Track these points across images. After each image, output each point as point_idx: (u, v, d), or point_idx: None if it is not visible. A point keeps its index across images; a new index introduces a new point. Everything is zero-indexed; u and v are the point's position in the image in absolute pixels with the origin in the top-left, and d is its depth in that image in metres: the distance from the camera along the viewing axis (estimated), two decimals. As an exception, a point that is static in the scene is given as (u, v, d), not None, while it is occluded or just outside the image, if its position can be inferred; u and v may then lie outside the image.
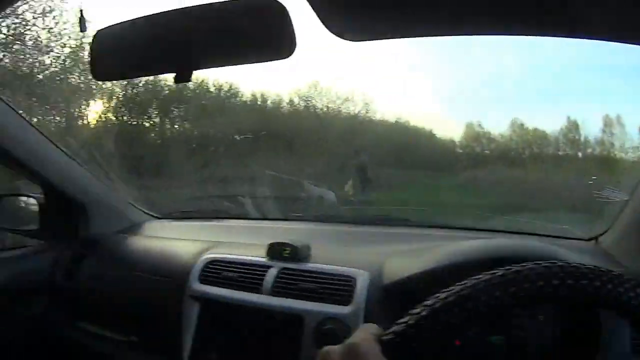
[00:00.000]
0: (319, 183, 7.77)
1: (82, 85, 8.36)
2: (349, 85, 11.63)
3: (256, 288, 1.90)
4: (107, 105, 8.72)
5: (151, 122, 9.84)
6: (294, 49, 1.16)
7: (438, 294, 0.88)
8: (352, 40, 1.11)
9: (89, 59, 1.39)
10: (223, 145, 9.37)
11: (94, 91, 8.47)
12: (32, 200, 2.57)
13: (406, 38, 1.16)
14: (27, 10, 7.50)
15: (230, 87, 10.55)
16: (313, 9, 0.99)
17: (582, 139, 9.18)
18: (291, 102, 11.21)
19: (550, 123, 9.93)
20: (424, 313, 0.86)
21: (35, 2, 7.59)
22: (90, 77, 8.99)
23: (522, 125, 13.79)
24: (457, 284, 0.89)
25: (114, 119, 8.89)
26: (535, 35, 1.11)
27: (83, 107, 8.49)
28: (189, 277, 2.04)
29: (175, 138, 9.98)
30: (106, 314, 2.34)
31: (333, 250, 2.09)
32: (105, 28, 1.37)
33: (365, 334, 0.90)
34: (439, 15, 1.04)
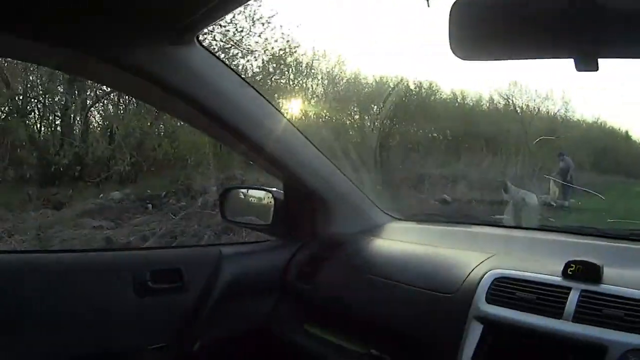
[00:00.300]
0: (520, 184, 7.33)
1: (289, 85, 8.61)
2: (548, 82, 11.04)
3: (557, 313, 1.56)
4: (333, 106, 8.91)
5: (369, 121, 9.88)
6: None
7: None
8: None
9: (448, 35, 1.10)
10: (451, 146, 9.13)
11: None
12: (261, 193, 2.37)
13: None
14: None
15: (430, 84, 10.47)
16: None
17: None
18: (491, 99, 10.92)
19: None
20: None
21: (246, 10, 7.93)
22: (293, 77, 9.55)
23: None
24: None
25: (330, 118, 9.03)
26: None
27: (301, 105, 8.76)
28: (474, 295, 1.71)
29: (397, 136, 9.81)
30: (344, 322, 2.03)
31: (622, 271, 1.70)
32: None
33: None
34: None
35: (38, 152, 8.18)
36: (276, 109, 2.05)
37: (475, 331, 1.67)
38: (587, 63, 0.96)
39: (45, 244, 6.09)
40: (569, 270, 1.63)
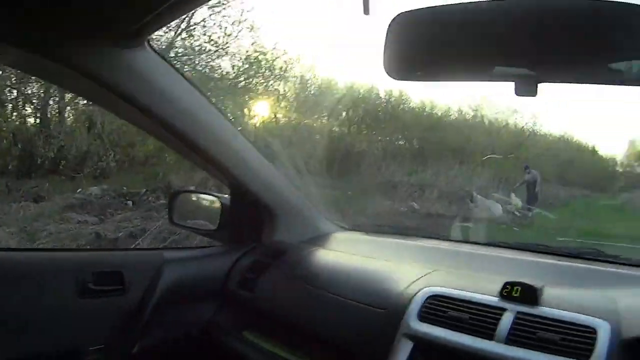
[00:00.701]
0: (486, 194, 7.37)
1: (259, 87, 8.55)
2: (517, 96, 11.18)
3: (488, 334, 1.50)
4: (289, 108, 8.84)
5: (341, 128, 9.80)
6: None
7: None
8: None
9: (383, 51, 1.01)
10: (410, 155, 9.11)
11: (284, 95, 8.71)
12: (209, 198, 2.32)
13: None
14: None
15: (401, 93, 10.43)
16: None
17: None
18: (460, 111, 10.97)
19: None
20: None
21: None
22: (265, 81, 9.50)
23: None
24: None
25: (299, 123, 8.96)
26: None
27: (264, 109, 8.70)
28: (405, 311, 1.64)
29: (365, 143, 9.76)
30: (281, 330, 1.99)
31: (562, 292, 1.66)
32: (408, 12, 1.00)
33: None
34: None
35: (21, 144, 8.06)
36: (224, 115, 2.02)
37: (405, 349, 1.60)
38: (526, 88, 0.92)
39: (33, 237, 6.04)
40: (505, 292, 1.58)
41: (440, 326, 1.57)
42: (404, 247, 2.30)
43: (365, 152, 9.14)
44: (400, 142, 9.51)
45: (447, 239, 2.58)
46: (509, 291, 1.58)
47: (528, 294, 1.56)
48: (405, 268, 1.91)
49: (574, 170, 12.88)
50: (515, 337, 1.47)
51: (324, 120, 10.11)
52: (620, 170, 13.69)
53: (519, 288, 1.58)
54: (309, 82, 10.21)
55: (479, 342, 1.49)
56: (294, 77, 9.58)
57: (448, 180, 7.55)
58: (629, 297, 1.59)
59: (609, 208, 10.15)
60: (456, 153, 9.43)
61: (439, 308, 1.62)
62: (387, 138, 9.69)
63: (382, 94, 10.44)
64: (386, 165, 8.46)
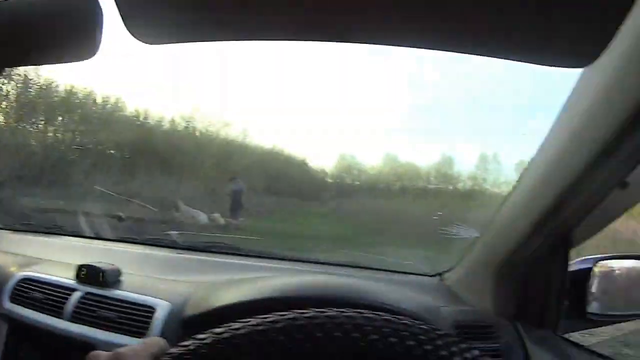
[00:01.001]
0: (192, 204, 7.68)
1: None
2: (229, 109, 11.51)
3: (59, 312, 1.75)
4: None
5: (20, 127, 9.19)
6: (97, 51, 0.91)
7: (230, 325, 0.78)
8: (150, 43, 0.89)
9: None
10: (83, 157, 8.85)
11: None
12: None
13: (210, 41, 0.96)
14: None
15: (117, 100, 10.13)
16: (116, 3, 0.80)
17: (455, 174, 9.02)
18: (172, 121, 11.06)
19: (425, 158, 9.85)
20: (208, 340, 0.76)
21: None
22: None
23: (395, 158, 14.19)
24: (257, 317, 0.79)
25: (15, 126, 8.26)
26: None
27: None
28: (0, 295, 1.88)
29: (50, 145, 9.25)
30: None
31: (146, 278, 1.95)
32: None
33: (141, 348, 0.80)
34: (247, 19, 0.89)
35: None
36: None
37: (2, 328, 1.79)
38: None
39: None
40: (78, 274, 1.82)
41: (25, 306, 1.79)
42: (33, 243, 2.53)
43: (77, 160, 8.81)
44: (111, 151, 9.36)
45: (80, 235, 2.88)
46: (81, 273, 1.81)
47: (95, 276, 1.78)
48: (15, 259, 2.11)
49: (285, 181, 13.45)
50: (79, 315, 1.69)
51: (40, 125, 9.49)
52: (330, 181, 14.74)
53: (88, 270, 1.79)
54: (32, 82, 9.44)
55: (50, 319, 1.71)
56: (19, 75, 8.86)
57: (157, 190, 7.71)
58: (214, 282, 1.85)
59: (314, 214, 11.00)
60: (166, 163, 9.56)
61: (26, 290, 1.83)
62: (100, 146, 9.44)
63: (99, 100, 9.93)
64: (97, 173, 8.30)
